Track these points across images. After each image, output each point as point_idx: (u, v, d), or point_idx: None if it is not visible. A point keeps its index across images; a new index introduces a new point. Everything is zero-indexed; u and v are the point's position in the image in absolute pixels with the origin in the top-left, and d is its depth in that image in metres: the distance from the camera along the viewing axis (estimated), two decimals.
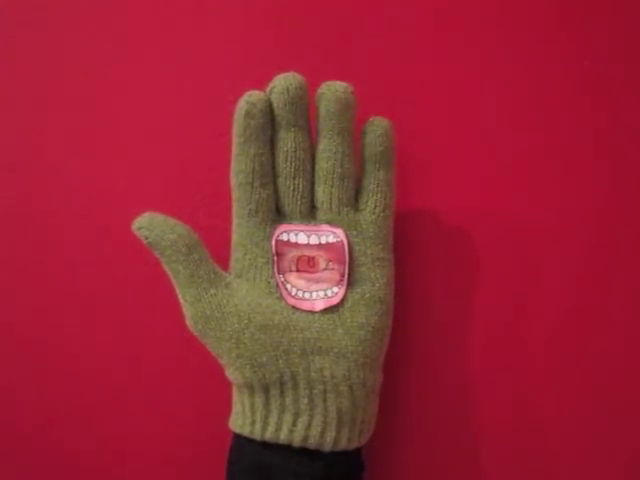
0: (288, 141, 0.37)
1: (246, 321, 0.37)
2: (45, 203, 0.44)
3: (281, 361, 0.37)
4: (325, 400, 0.37)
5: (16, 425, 0.44)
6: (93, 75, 0.45)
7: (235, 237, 0.39)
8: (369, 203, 0.38)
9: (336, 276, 0.38)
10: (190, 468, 0.43)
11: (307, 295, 0.38)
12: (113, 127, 0.44)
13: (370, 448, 0.40)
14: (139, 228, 0.37)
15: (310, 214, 0.39)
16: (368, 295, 0.38)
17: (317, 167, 0.38)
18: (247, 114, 0.37)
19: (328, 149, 0.38)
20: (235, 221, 0.39)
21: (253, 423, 0.37)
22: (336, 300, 0.38)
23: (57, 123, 0.45)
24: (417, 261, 0.43)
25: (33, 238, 0.44)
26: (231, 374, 0.38)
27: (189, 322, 0.38)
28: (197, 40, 0.44)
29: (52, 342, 0.44)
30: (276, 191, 0.38)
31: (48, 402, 0.44)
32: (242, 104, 0.37)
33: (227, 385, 0.39)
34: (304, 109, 0.37)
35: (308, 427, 0.36)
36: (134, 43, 0.45)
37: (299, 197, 0.38)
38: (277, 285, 0.38)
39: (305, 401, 0.37)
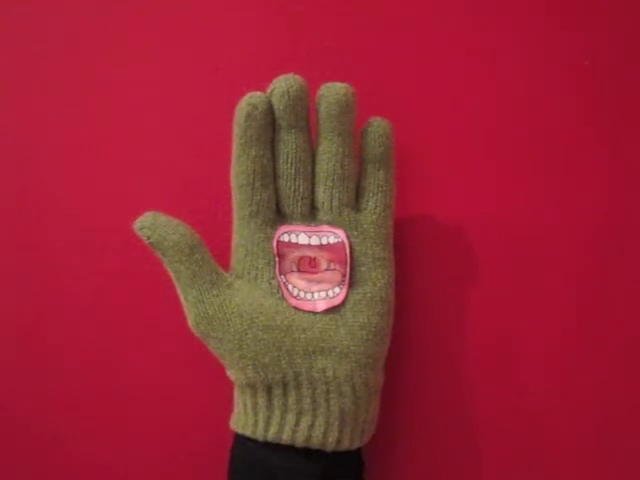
0: (289, 142, 0.37)
1: (249, 322, 0.37)
2: (46, 203, 0.44)
3: (284, 361, 0.37)
4: (328, 400, 0.37)
5: (16, 424, 0.44)
6: (95, 76, 0.45)
7: (236, 238, 0.39)
8: (369, 203, 0.39)
9: (337, 276, 0.38)
10: (191, 468, 0.43)
11: (309, 296, 0.38)
12: (114, 128, 0.44)
13: (370, 447, 0.40)
14: (141, 228, 0.37)
15: (311, 215, 0.39)
16: (369, 295, 0.38)
17: (317, 168, 0.38)
18: (248, 116, 0.37)
19: (328, 150, 0.38)
20: (236, 222, 0.39)
21: (255, 423, 0.37)
22: (338, 300, 0.38)
23: (58, 123, 0.45)
24: (417, 261, 0.43)
25: (34, 238, 0.44)
26: (233, 374, 0.38)
27: (191, 323, 0.38)
28: (197, 41, 0.44)
29: (53, 342, 0.44)
30: (276, 192, 0.38)
31: (48, 402, 0.44)
32: (243, 105, 0.37)
33: (228, 385, 0.39)
34: (304, 111, 0.37)
35: (311, 427, 0.37)
36: (135, 44, 0.45)
37: (300, 198, 0.38)
38: (279, 286, 0.38)
39: (308, 401, 0.37)
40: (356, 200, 0.39)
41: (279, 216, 0.39)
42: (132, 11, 0.45)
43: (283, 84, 0.36)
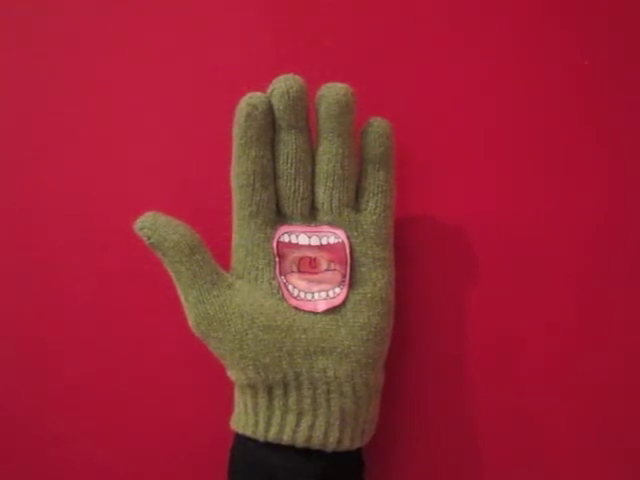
0: (289, 143, 0.37)
1: (249, 322, 0.37)
2: (46, 203, 0.44)
3: (284, 362, 0.37)
4: (328, 400, 0.37)
5: (16, 424, 0.44)
6: (95, 76, 0.45)
7: (236, 238, 0.39)
8: (370, 204, 0.39)
9: (338, 277, 0.38)
10: (191, 468, 0.43)
11: (309, 296, 0.38)
12: (115, 128, 0.44)
13: (370, 447, 0.40)
14: (142, 228, 0.37)
15: (311, 215, 0.39)
16: (370, 295, 0.38)
17: (317, 169, 0.38)
18: (248, 116, 0.37)
19: (328, 151, 0.38)
20: (236, 223, 0.39)
21: (256, 424, 0.37)
22: (338, 301, 0.38)
23: (58, 123, 0.45)
24: (417, 261, 0.43)
25: (34, 238, 0.44)
26: (234, 375, 0.38)
27: (192, 323, 0.38)
28: (197, 41, 0.44)
29: (53, 342, 0.44)
30: (276, 193, 0.38)
31: (48, 402, 0.44)
32: (243, 106, 0.37)
33: (228, 385, 0.39)
34: (304, 111, 0.37)
35: (311, 427, 0.37)
36: (135, 44, 0.45)
37: (300, 198, 0.38)
38: (279, 286, 0.38)
39: (308, 401, 0.37)
40: (356, 200, 0.39)
41: (279, 216, 0.39)
42: (132, 11, 0.45)
43: (283, 84, 0.36)
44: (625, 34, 0.43)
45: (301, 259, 0.38)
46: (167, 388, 0.44)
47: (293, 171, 0.38)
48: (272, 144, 0.38)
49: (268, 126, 0.37)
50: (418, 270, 0.43)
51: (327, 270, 0.38)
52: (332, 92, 0.37)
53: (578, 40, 0.43)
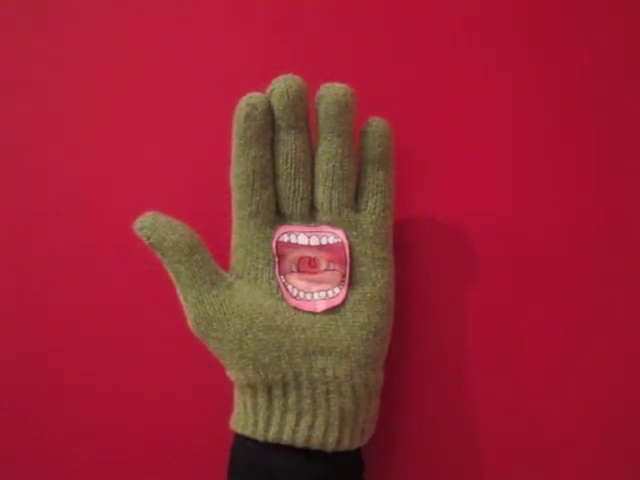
0: (288, 143, 0.37)
1: (249, 322, 0.37)
2: (46, 203, 0.44)
3: (284, 362, 0.37)
4: (328, 400, 0.37)
5: (16, 424, 0.44)
6: (95, 76, 0.45)
7: (235, 238, 0.39)
8: (369, 204, 0.39)
9: (337, 277, 0.38)
10: (191, 468, 0.43)
11: (308, 296, 0.38)
12: (115, 128, 0.44)
13: (370, 447, 0.40)
14: (141, 228, 0.37)
15: (310, 215, 0.39)
16: (369, 295, 0.38)
17: (317, 169, 0.38)
18: (247, 116, 0.37)
19: (328, 151, 0.38)
20: (235, 222, 0.39)
21: (255, 424, 0.37)
22: (338, 301, 0.38)
23: (59, 123, 0.45)
24: (417, 261, 0.43)
25: (34, 238, 0.44)
26: (233, 375, 0.38)
27: (191, 323, 0.38)
28: (197, 41, 0.44)
29: (53, 342, 0.44)
30: (276, 193, 0.38)
31: (48, 402, 0.44)
32: (242, 106, 0.37)
33: (228, 385, 0.39)
34: (304, 111, 0.37)
35: (311, 427, 0.37)
36: (135, 45, 0.45)
37: (299, 198, 0.38)
38: (278, 286, 0.38)
39: (308, 401, 0.37)
40: (356, 200, 0.39)
41: (279, 216, 0.39)
42: (132, 11, 0.45)
43: (282, 84, 0.36)
44: (625, 34, 0.43)
45: (300, 259, 0.38)
46: (167, 388, 0.44)
47: (292, 171, 0.38)
48: (271, 144, 0.38)
49: (267, 126, 0.37)
50: (418, 270, 0.43)
51: (326, 270, 0.38)
52: (331, 92, 0.37)
53: (578, 40, 0.43)
